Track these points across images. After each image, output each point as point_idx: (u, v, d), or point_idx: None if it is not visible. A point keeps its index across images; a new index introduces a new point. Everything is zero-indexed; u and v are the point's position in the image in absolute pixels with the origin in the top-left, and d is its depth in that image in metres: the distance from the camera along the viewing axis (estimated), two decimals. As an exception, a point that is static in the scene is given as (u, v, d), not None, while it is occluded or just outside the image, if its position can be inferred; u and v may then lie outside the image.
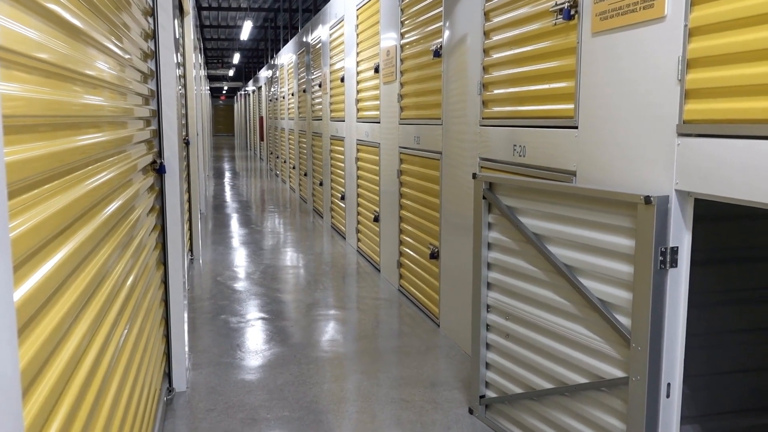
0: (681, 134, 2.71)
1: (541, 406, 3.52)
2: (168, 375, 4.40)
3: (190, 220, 8.24)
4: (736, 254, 3.59)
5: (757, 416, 3.63)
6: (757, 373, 3.66)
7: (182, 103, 7.42)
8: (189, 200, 8.35)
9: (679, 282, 2.79)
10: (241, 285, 7.29)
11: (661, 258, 2.75)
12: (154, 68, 4.05)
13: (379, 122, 7.64)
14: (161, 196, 4.20)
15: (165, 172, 4.14)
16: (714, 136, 2.55)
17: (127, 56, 3.06)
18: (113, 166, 2.64)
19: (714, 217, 3.52)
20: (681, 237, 2.77)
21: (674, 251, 2.76)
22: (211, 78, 42.14)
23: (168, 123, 4.13)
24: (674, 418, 2.88)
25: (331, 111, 10.57)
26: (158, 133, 4.14)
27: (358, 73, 8.63)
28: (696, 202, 2.77)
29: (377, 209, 7.89)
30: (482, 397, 4.02)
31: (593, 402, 3.17)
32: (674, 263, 2.77)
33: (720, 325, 3.58)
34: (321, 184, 11.71)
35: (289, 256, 8.85)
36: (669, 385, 2.85)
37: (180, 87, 6.62)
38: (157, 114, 4.11)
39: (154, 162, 4.03)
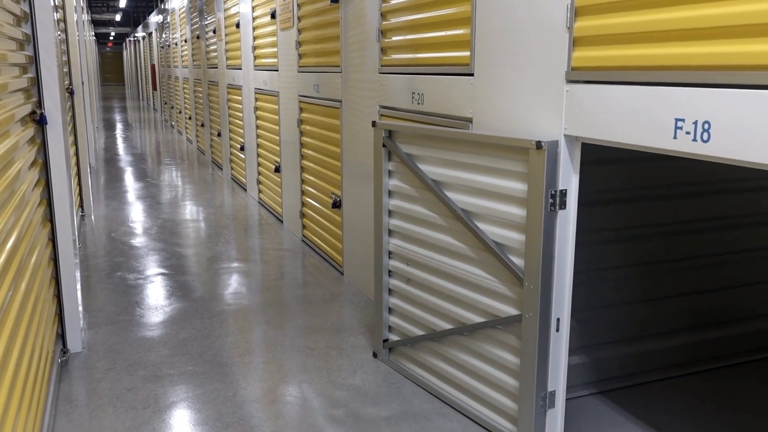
0: (569, 81, 2.81)
1: (442, 346, 3.66)
2: (62, 336, 4.22)
3: (78, 174, 7.81)
4: (619, 195, 3.82)
5: (636, 344, 3.93)
6: (637, 304, 3.95)
7: (63, 49, 6.93)
8: (77, 153, 7.90)
9: (567, 223, 2.94)
10: (137, 241, 7.04)
11: (551, 200, 2.88)
12: (27, 10, 3.75)
13: (277, 70, 7.46)
14: (44, 149, 3.94)
15: (46, 123, 3.88)
16: (600, 82, 2.66)
17: (-6, -4, 2.81)
18: (-15, 117, 2.45)
19: (599, 161, 3.70)
20: (569, 180, 2.90)
21: (563, 194, 2.89)
22: (96, 23, 39.43)
23: (47, 70, 3.85)
24: (563, 350, 3.08)
25: (227, 59, 10.20)
26: (37, 82, 3.86)
27: (254, 19, 8.34)
28: (583, 147, 2.90)
29: (278, 160, 7.77)
30: (386, 340, 4.12)
31: (490, 339, 3.32)
32: (563, 205, 2.90)
33: (603, 262, 3.82)
34: (219, 134, 11.36)
35: (189, 210, 8.60)
36: (558, 320, 3.03)
37: (59, 32, 6.16)
38: (35, 61, 3.82)
39: (33, 112, 3.76)
